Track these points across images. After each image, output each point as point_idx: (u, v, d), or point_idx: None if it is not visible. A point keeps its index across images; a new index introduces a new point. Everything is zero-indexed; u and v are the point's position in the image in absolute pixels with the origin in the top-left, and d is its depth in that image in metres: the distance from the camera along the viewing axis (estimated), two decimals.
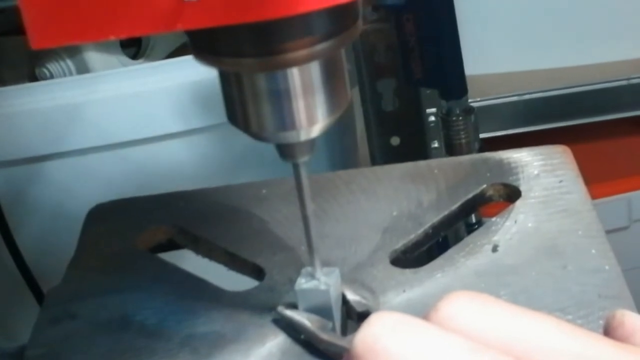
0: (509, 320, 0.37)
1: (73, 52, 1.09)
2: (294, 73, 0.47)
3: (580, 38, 1.41)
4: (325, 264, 0.57)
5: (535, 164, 0.70)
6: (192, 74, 0.97)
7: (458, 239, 0.67)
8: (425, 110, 1.15)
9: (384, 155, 1.16)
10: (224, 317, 0.60)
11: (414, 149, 1.15)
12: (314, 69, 0.48)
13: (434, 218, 0.67)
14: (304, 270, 0.57)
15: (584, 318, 0.55)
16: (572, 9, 1.40)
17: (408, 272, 0.62)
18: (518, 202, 0.67)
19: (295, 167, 0.53)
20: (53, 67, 1.10)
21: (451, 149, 1.07)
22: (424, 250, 0.67)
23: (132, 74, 1.02)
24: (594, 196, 0.67)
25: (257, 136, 0.50)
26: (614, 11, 1.40)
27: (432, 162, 0.73)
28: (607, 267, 0.59)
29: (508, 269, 0.60)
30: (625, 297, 0.57)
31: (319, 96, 0.48)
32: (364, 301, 0.58)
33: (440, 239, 0.69)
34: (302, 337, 0.57)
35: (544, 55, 1.42)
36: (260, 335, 0.58)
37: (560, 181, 0.68)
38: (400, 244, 0.65)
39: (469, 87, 1.08)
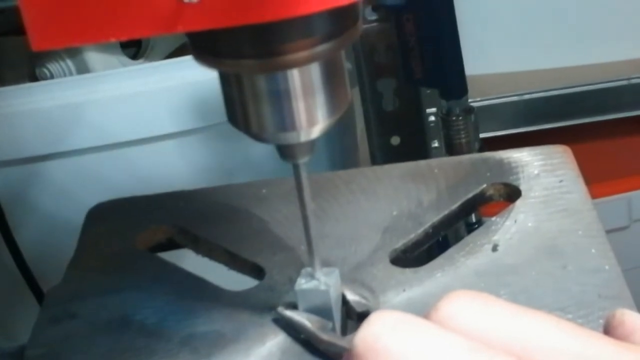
0: (510, 319, 0.37)
1: (73, 52, 1.09)
2: (294, 74, 0.47)
3: (580, 38, 1.41)
4: (325, 263, 0.57)
5: (535, 163, 0.70)
6: (192, 74, 0.97)
7: (458, 238, 0.67)
8: (425, 110, 1.15)
9: (384, 154, 1.16)
10: (224, 316, 0.60)
11: (414, 148, 1.15)
12: (314, 70, 0.48)
13: (434, 217, 0.67)
14: (304, 271, 0.57)
15: (584, 318, 0.55)
16: (572, 9, 1.40)
17: (408, 272, 0.62)
18: (518, 202, 0.67)
19: (296, 167, 0.53)
20: (53, 67, 1.10)
21: (451, 149, 1.07)
22: (424, 250, 0.67)
23: (132, 74, 1.02)
24: (594, 196, 0.67)
25: (258, 137, 0.50)
26: (614, 11, 1.40)
27: (432, 162, 0.73)
28: (607, 267, 0.59)
29: (508, 268, 0.60)
30: (625, 297, 0.57)
31: (319, 97, 0.48)
32: (364, 301, 0.58)
33: (441, 239, 0.69)
34: (302, 336, 0.57)
35: (544, 55, 1.42)
36: (260, 335, 0.58)
37: (561, 181, 0.68)
38: (400, 243, 0.65)
39: (469, 87, 1.08)
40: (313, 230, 0.55)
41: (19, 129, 0.98)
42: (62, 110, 0.98)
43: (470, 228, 0.83)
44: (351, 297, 0.58)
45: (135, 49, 1.15)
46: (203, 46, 0.47)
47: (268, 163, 0.87)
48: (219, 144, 1.03)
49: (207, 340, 0.58)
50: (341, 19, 0.47)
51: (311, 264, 0.56)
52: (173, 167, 1.03)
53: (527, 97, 1.37)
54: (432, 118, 1.15)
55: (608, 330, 0.40)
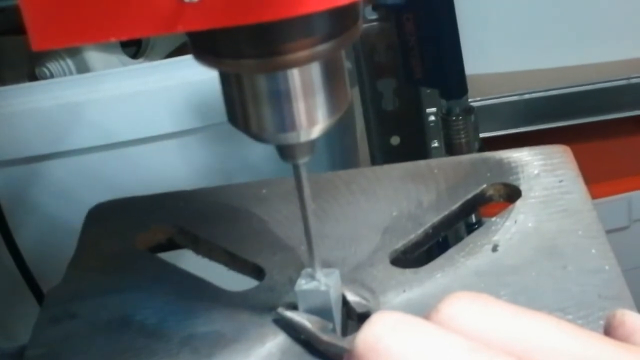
0: (510, 320, 0.37)
1: (73, 51, 1.09)
2: (295, 74, 0.47)
3: (580, 38, 1.41)
4: (325, 264, 0.57)
5: (535, 163, 0.70)
6: (193, 74, 0.97)
7: (458, 239, 0.67)
8: (425, 110, 1.15)
9: (384, 154, 1.16)
10: (224, 317, 0.60)
11: (414, 148, 1.15)
12: (315, 70, 0.48)
13: (434, 218, 0.67)
14: (304, 271, 0.57)
15: (584, 318, 0.55)
16: (572, 9, 1.40)
17: (408, 272, 0.62)
18: (518, 202, 0.67)
19: (296, 167, 0.53)
20: (53, 66, 1.10)
21: (451, 149, 1.07)
22: (424, 251, 0.67)
23: (132, 74, 1.02)
24: (594, 196, 0.67)
25: (257, 137, 0.50)
26: (614, 11, 1.40)
27: (432, 162, 0.73)
28: (607, 267, 0.59)
29: (508, 269, 0.60)
30: (625, 297, 0.57)
31: (319, 97, 0.48)
32: (364, 302, 0.58)
33: (440, 239, 0.69)
34: (302, 337, 0.57)
35: (544, 55, 1.42)
36: (260, 335, 0.58)
37: (561, 181, 0.68)
38: (400, 244, 0.65)
39: (469, 86, 1.08)
40: (313, 230, 0.55)
41: (18, 129, 0.98)
42: (62, 110, 0.98)
43: (470, 228, 0.83)
44: (351, 297, 0.58)
45: (135, 48, 1.15)
46: (203, 46, 0.47)
47: (268, 163, 0.87)
48: (219, 144, 1.03)
49: (207, 340, 0.58)
50: (341, 18, 0.47)
51: (311, 264, 0.56)
52: (173, 167, 1.03)
53: (527, 96, 1.36)
54: (432, 118, 1.15)
55: (608, 330, 0.40)
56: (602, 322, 0.42)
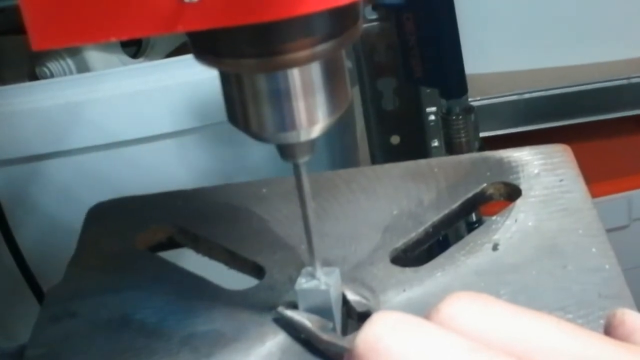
0: (510, 320, 0.37)
1: (73, 51, 1.09)
2: (295, 74, 0.47)
3: (580, 38, 1.41)
4: (326, 262, 0.57)
5: (535, 162, 0.70)
6: (193, 73, 0.97)
7: (458, 237, 0.67)
8: (425, 109, 1.15)
9: (384, 154, 1.16)
10: (224, 316, 0.60)
11: (414, 147, 1.15)
12: (315, 70, 0.48)
13: (434, 217, 0.67)
14: (304, 270, 0.57)
15: (584, 317, 0.55)
16: (572, 9, 1.40)
17: (408, 271, 0.62)
18: (518, 201, 0.67)
19: (296, 167, 0.53)
20: (53, 66, 1.10)
21: (451, 148, 1.07)
22: (424, 249, 0.67)
23: (132, 73, 1.02)
24: (594, 195, 0.67)
25: (258, 136, 0.50)
26: (614, 11, 1.40)
27: (432, 161, 0.73)
28: (607, 266, 0.59)
29: (508, 267, 0.60)
30: (625, 296, 0.57)
31: (319, 97, 0.48)
32: (364, 301, 0.58)
33: (441, 238, 0.69)
34: (302, 336, 0.57)
35: (544, 55, 1.41)
36: (260, 334, 0.58)
37: (561, 180, 0.68)
38: (400, 242, 0.65)
39: (469, 86, 1.08)
40: (313, 229, 0.55)
41: (18, 128, 0.98)
42: (62, 109, 0.98)
43: (471, 227, 0.83)
44: (351, 297, 0.58)
45: (135, 48, 1.15)
46: (203, 45, 0.47)
47: (268, 163, 0.87)
48: (220, 144, 1.03)
49: (207, 339, 0.58)
50: (341, 18, 0.47)
51: (311, 263, 0.56)
52: (173, 166, 1.03)
53: (527, 96, 1.36)
54: (432, 117, 1.15)
55: (609, 329, 0.40)
56: (602, 321, 0.42)
